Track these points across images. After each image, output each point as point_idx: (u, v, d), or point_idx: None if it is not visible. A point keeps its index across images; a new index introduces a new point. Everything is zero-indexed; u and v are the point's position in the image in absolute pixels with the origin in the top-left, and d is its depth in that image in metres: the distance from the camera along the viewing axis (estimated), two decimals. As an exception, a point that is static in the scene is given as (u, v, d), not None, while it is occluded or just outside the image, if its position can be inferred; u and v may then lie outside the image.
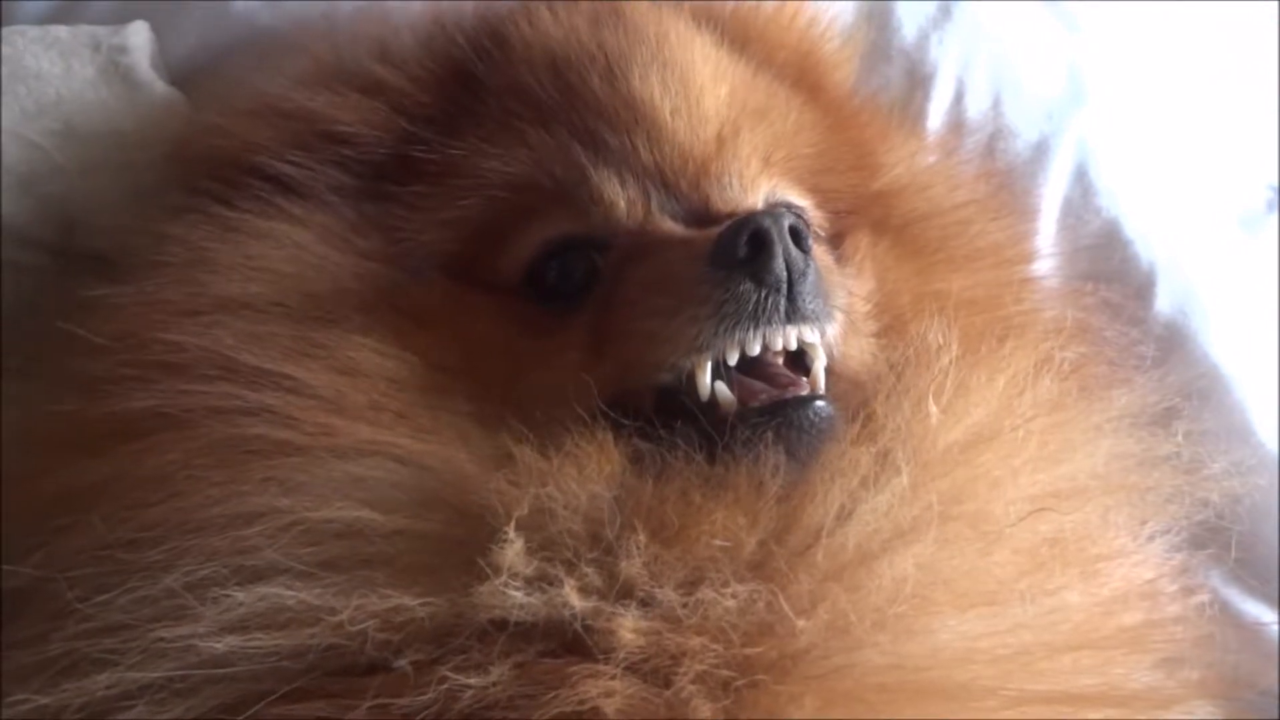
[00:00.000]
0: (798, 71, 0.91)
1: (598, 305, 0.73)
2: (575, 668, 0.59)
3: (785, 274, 0.67)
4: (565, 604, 0.60)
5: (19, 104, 0.85)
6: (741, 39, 0.88)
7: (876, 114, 0.97)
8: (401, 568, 0.62)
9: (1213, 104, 1.22)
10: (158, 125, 0.88)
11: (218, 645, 0.60)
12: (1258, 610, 0.92)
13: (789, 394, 0.68)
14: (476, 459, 0.66)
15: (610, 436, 0.67)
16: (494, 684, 0.58)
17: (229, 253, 0.75)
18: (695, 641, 0.59)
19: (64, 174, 0.86)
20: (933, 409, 0.69)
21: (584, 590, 0.61)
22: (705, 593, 0.60)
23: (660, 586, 0.61)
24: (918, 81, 1.06)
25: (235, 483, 0.65)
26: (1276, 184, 1.28)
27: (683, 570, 0.61)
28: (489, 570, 0.60)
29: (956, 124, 1.05)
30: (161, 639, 0.60)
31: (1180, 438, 0.77)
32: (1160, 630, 0.70)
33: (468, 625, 0.60)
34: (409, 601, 0.60)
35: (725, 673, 0.59)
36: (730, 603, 0.60)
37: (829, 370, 0.72)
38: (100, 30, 0.90)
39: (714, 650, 0.59)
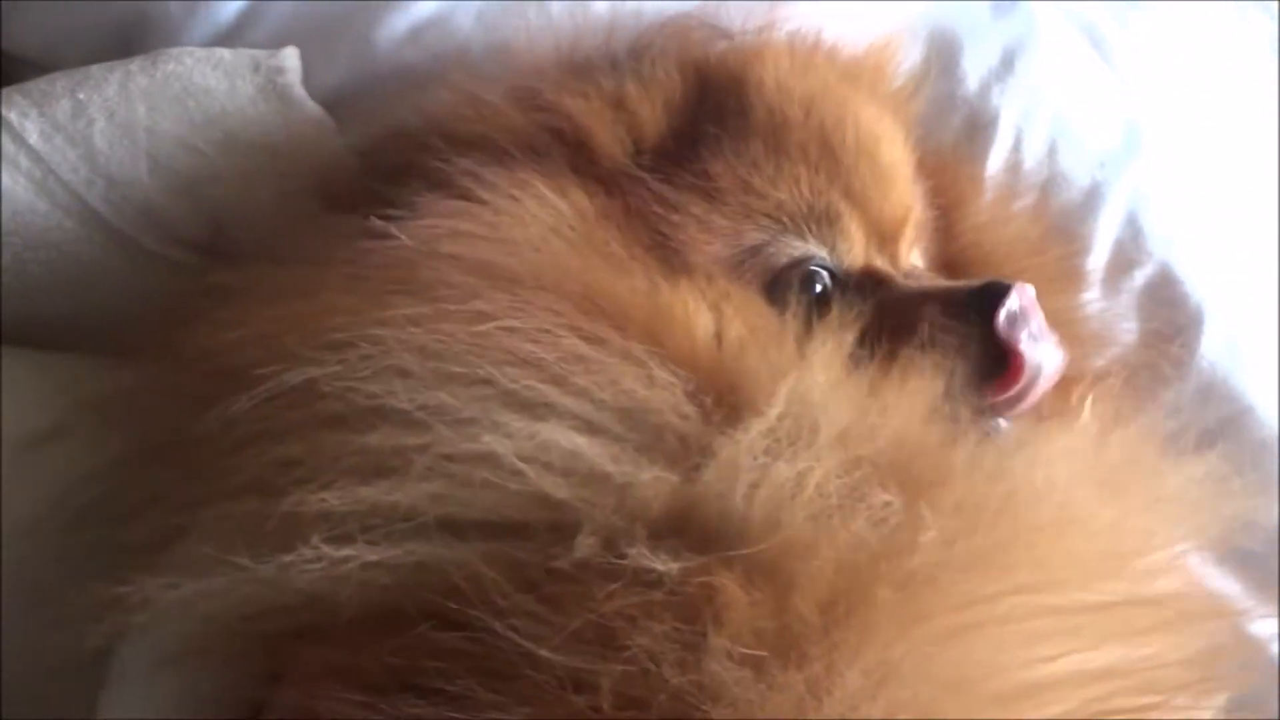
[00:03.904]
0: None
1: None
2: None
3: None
4: (785, 509, 0.62)
5: (188, 115, 0.93)
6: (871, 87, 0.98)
7: (958, 175, 1.05)
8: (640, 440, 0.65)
9: (1267, 156, 1.25)
10: (308, 140, 0.96)
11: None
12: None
13: None
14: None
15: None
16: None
17: (478, 216, 0.77)
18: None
19: (222, 179, 0.93)
20: None
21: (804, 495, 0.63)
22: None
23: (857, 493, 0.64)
24: (979, 128, 1.12)
25: None
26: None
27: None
28: (714, 459, 0.63)
29: (1013, 168, 1.11)
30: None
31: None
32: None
33: (681, 515, 0.62)
34: (644, 475, 0.62)
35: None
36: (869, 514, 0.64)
37: None
38: (259, 53, 0.98)
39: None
